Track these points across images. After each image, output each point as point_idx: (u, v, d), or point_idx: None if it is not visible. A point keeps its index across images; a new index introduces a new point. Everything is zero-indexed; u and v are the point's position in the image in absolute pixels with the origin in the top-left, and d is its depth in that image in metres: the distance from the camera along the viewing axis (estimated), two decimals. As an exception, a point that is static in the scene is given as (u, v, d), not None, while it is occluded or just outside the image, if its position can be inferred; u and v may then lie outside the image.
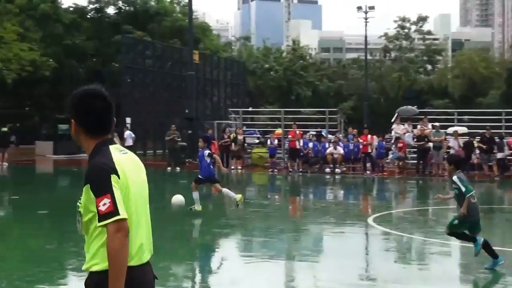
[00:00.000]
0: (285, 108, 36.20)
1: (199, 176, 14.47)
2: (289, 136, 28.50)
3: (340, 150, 27.17)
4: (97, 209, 3.13)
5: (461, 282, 8.99)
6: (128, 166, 3.36)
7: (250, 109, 44.76)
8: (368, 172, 26.77)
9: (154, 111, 41.89)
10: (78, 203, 3.32)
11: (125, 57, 40.97)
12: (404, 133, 28.21)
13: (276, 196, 20.36)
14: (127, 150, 3.48)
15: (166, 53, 44.72)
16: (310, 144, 28.13)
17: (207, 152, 14.37)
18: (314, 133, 30.54)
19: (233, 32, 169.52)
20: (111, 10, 60.09)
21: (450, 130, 28.38)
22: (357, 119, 51.90)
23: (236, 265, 9.44)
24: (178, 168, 28.14)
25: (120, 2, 59.11)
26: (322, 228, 13.47)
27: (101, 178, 3.19)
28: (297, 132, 28.25)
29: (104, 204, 3.13)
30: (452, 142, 26.03)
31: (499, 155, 25.20)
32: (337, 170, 27.06)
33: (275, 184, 25.44)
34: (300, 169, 27.63)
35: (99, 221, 3.14)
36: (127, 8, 59.16)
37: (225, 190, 14.47)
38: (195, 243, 11.67)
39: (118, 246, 3.11)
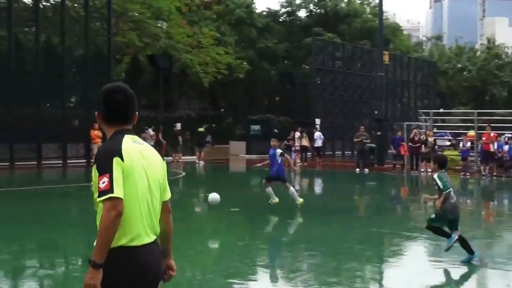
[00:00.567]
0: (479, 109, 34.68)
1: (270, 174, 15.04)
2: (483, 139, 27.31)
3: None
4: (97, 186, 3.45)
5: None
6: (138, 154, 3.65)
7: (441, 110, 43.42)
8: None
9: (343, 112, 42.06)
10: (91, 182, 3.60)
11: (315, 59, 41.50)
12: None
13: (468, 201, 19.59)
14: (143, 142, 3.81)
15: (356, 54, 44.70)
16: (506, 147, 26.78)
17: (279, 151, 14.94)
18: (510, 135, 28.98)
19: (424, 32, 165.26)
20: (302, 13, 61.18)
21: None
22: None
23: (425, 270, 9.24)
24: (366, 170, 27.99)
25: (311, 5, 59.96)
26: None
27: (104, 159, 3.52)
28: (492, 134, 27.00)
29: (103, 182, 3.43)
30: None
31: None
32: (536, 175, 25.53)
33: (467, 188, 24.48)
34: (494, 173, 26.38)
35: (98, 197, 3.44)
36: (318, 10, 59.85)
37: (291, 189, 14.91)
38: (383, 245, 11.57)
39: (108, 223, 3.37)
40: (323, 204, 17.74)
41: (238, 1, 53.76)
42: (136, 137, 3.80)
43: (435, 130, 32.64)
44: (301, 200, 14.90)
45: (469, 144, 28.53)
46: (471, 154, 28.88)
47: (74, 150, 32.85)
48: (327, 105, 41.42)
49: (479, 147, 28.30)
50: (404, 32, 73.09)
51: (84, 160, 31.80)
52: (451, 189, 9.00)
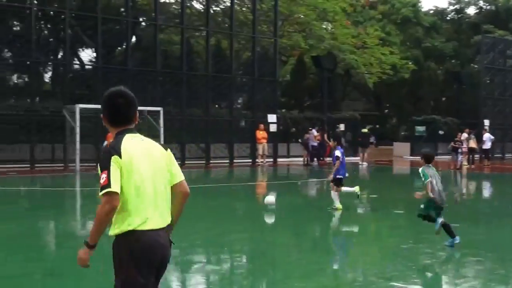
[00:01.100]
0: None
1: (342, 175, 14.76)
2: None
3: None
4: (100, 182, 3.93)
5: None
6: (138, 150, 4.10)
7: None
8: None
9: (514, 113, 40.10)
10: None
11: (485, 58, 39.84)
12: None
13: None
14: (144, 138, 4.25)
15: (529, 52, 42.38)
16: None
17: (337, 152, 14.56)
18: None
19: None
20: (471, 11, 58.97)
21: None
22: None
23: None
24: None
25: (481, 1, 57.61)
26: None
27: (104, 158, 4.00)
28: None
29: (102, 178, 3.92)
30: None
31: None
32: None
33: None
34: None
35: (100, 191, 3.91)
36: (488, 7, 57.37)
37: (334, 195, 14.82)
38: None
39: (102, 215, 3.91)
40: (492, 208, 17.03)
41: (404, 0, 52.79)
42: (137, 134, 4.24)
43: None
44: (340, 206, 14.66)
45: None
46: None
47: (240, 150, 33.92)
48: (496, 106, 39.63)
49: None
50: None
51: (250, 160, 32.73)
52: (429, 179, 10.18)
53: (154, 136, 27.74)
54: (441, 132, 38.97)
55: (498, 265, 9.44)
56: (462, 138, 33.47)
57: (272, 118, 33.60)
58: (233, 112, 33.22)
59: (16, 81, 35.65)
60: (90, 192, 19.68)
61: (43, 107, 27.75)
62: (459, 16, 58.22)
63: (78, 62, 38.77)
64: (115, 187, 3.90)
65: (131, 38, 33.27)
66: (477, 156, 34.57)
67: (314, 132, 34.08)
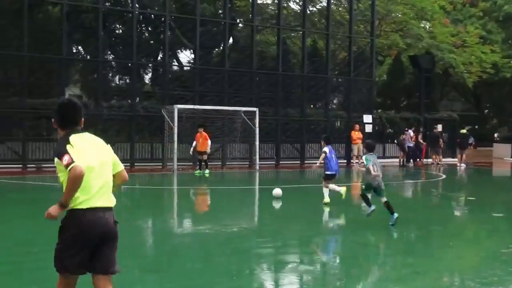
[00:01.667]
0: None
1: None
2: None
3: None
4: (64, 164, 4.83)
5: None
6: (85, 143, 5.12)
7: None
8: None
9: None
10: None
11: None
12: None
13: None
14: (88, 134, 5.25)
15: None
16: None
17: (325, 149, 15.69)
18: None
19: None
20: None
21: None
22: None
23: None
24: None
25: None
26: None
27: (61, 146, 4.95)
28: None
29: (66, 159, 4.82)
30: None
31: None
32: None
33: None
34: None
35: (66, 168, 4.81)
36: None
37: (325, 190, 15.67)
38: None
39: (74, 179, 4.76)
40: None
41: (507, -4, 51.05)
42: (82, 133, 5.22)
43: None
44: (328, 200, 15.46)
45: None
46: None
47: (335, 150, 33.80)
48: None
49: None
50: None
51: (344, 161, 32.60)
52: (369, 164, 12.44)
53: (250, 136, 28.17)
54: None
55: None
56: None
57: (367, 118, 33.33)
58: (328, 112, 33.14)
59: (117, 83, 36.93)
60: (187, 191, 20.18)
61: (143, 108, 28.63)
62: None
63: (176, 64, 39.76)
64: (78, 161, 4.82)
65: (228, 39, 33.80)
66: None
67: (411, 132, 33.53)
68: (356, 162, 31.39)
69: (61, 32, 26.23)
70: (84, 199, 4.92)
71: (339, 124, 35.44)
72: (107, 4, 31.35)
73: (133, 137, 27.38)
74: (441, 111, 43.03)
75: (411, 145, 33.05)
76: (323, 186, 15.81)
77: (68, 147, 4.92)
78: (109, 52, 34.84)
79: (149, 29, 37.40)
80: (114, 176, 5.30)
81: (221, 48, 33.94)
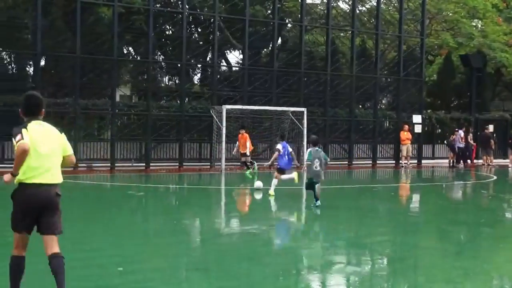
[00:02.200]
0: None
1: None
2: None
3: None
4: (15, 141, 5.97)
5: None
6: (38, 130, 6.20)
7: None
8: None
9: None
10: None
11: None
12: None
13: None
14: (44, 123, 6.33)
15: None
16: None
17: (278, 145, 17.34)
18: None
19: None
20: None
21: None
22: None
23: None
24: None
25: None
26: None
27: (18, 129, 6.04)
28: None
29: (18, 138, 5.96)
30: None
31: None
32: None
33: None
34: None
35: (16, 143, 5.95)
36: None
37: (273, 182, 16.92)
38: None
39: (19, 150, 5.93)
40: None
41: None
42: (39, 122, 6.29)
43: None
44: (273, 193, 16.67)
45: None
46: None
47: (384, 151, 33.58)
48: None
49: None
50: None
51: (393, 161, 32.32)
52: (309, 161, 14.51)
53: (297, 136, 28.17)
54: None
55: None
56: None
57: (417, 118, 32.96)
58: (377, 112, 32.89)
59: (167, 83, 37.33)
60: (234, 191, 20.31)
61: (191, 108, 28.89)
62: None
63: (225, 64, 39.98)
64: (26, 140, 5.96)
65: (277, 39, 33.84)
66: None
67: (461, 133, 33.03)
68: (405, 163, 31.07)
69: (112, 33, 26.66)
70: (30, 176, 6.06)
71: (388, 124, 35.14)
72: (157, 5, 31.71)
73: (182, 137, 27.64)
74: (493, 111, 42.23)
75: (461, 145, 32.56)
76: (274, 177, 17.04)
77: (23, 131, 6.05)
78: (159, 53, 35.25)
79: (199, 29, 37.68)
80: (64, 158, 6.41)
81: (270, 48, 34.00)
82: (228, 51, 40.56)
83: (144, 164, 26.64)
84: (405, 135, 31.19)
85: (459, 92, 41.62)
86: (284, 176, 17.11)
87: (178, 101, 29.31)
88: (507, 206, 17.57)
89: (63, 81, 29.26)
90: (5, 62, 30.97)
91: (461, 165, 32.55)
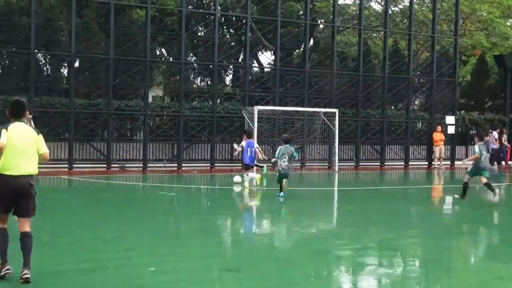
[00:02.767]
0: None
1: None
2: None
3: None
4: None
5: None
6: (17, 131, 7.52)
7: None
8: None
9: None
10: None
11: None
12: None
13: None
14: (24, 125, 7.65)
15: None
16: None
17: (243, 143, 19.99)
18: None
19: None
20: None
21: None
22: None
23: None
24: None
25: None
26: None
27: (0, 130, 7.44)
28: None
29: None
30: None
31: None
32: None
33: None
34: None
35: None
36: None
37: (250, 176, 19.55)
38: None
39: None
40: None
41: None
42: (22, 123, 7.63)
43: None
44: (247, 186, 19.28)
45: None
46: None
47: (416, 152, 33.31)
48: None
49: None
50: None
51: (426, 163, 32.06)
52: (278, 158, 16.39)
53: (329, 137, 28.10)
54: None
55: None
56: None
57: (450, 119, 32.63)
58: (409, 113, 32.64)
59: (199, 84, 37.50)
60: (269, 192, 20.32)
61: (223, 109, 28.99)
62: None
63: (257, 65, 40.03)
64: (3, 141, 7.33)
65: (309, 40, 33.79)
66: None
67: (495, 134, 32.62)
68: (438, 164, 30.80)
69: (145, 35, 26.88)
70: (8, 168, 7.41)
71: (420, 125, 34.85)
72: (190, 7, 31.87)
73: (213, 138, 27.75)
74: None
75: (495, 147, 32.13)
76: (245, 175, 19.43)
77: (3, 131, 7.43)
78: (191, 54, 35.42)
79: (231, 30, 37.80)
80: (39, 155, 7.66)
81: (302, 49, 33.95)
82: (260, 52, 40.62)
83: (176, 165, 26.82)
84: (438, 136, 30.92)
85: (493, 93, 41.08)
86: (251, 174, 19.57)
87: (210, 102, 29.44)
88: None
89: (97, 82, 29.58)
90: (41, 63, 31.39)
91: (495, 166, 32.12)
